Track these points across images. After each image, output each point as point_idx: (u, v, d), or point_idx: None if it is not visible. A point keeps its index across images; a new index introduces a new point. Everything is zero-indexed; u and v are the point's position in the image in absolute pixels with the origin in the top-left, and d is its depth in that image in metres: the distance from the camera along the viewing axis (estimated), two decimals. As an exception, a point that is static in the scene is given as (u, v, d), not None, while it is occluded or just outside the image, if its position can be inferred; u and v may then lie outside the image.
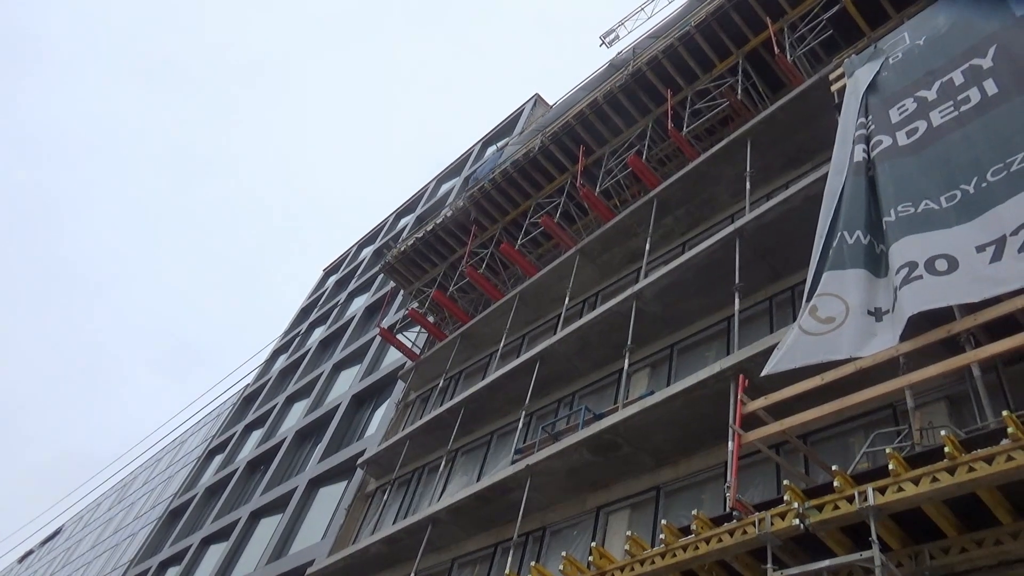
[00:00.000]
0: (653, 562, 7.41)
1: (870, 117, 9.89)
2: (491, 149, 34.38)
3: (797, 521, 6.36)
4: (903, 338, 6.93)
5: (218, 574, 25.02)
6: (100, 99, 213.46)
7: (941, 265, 6.99)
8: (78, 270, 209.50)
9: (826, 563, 6.13)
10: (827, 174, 9.81)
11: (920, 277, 6.99)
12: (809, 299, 8.03)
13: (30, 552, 61.63)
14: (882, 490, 5.96)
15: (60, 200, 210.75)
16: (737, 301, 11.40)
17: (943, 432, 5.88)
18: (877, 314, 7.37)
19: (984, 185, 7.54)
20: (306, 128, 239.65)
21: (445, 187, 37.11)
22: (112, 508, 49.70)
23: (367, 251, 41.01)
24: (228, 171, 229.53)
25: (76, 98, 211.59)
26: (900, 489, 5.86)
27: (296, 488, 24.53)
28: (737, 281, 11.59)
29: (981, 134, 8.25)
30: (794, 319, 9.64)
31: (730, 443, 8.30)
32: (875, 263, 7.84)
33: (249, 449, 33.47)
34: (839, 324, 7.46)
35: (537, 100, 36.64)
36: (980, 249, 6.87)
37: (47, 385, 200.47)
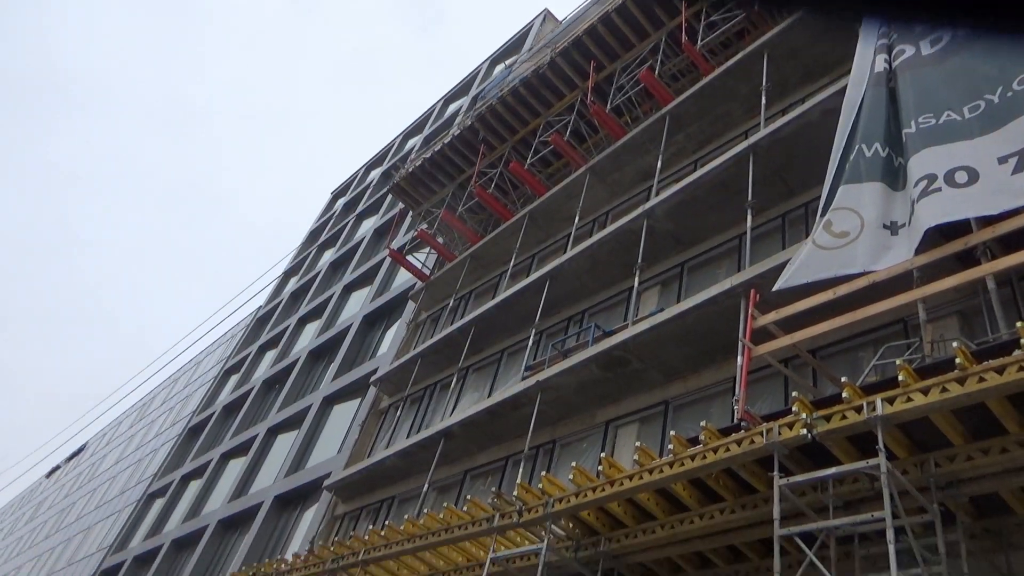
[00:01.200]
0: (662, 471, 7.58)
1: (892, 26, 9.54)
2: (499, 68, 33.55)
3: (805, 431, 6.46)
4: (918, 252, 6.88)
5: (239, 486, 25.92)
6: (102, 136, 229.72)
7: (961, 177, 6.87)
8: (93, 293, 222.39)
9: (832, 471, 6.26)
10: (846, 87, 9.55)
11: (939, 189, 6.88)
12: (824, 214, 7.95)
13: (57, 468, 63.84)
14: (891, 400, 6.02)
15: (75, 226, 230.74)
16: (749, 218, 11.30)
17: (955, 344, 5.88)
18: (893, 228, 7.29)
19: (1009, 95, 7.33)
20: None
21: (453, 107, 36.45)
22: (133, 426, 51.13)
23: (375, 173, 40.67)
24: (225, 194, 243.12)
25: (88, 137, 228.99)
26: (909, 399, 5.92)
27: (311, 406, 25.11)
28: (750, 198, 11.46)
29: (1007, 43, 7.95)
30: (807, 236, 9.57)
31: (739, 357, 8.38)
32: (893, 176, 7.72)
33: (264, 369, 34.11)
34: (854, 238, 7.40)
35: (546, 16, 35.51)
36: (1002, 160, 6.73)
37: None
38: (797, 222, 12.15)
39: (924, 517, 6.05)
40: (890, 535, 5.37)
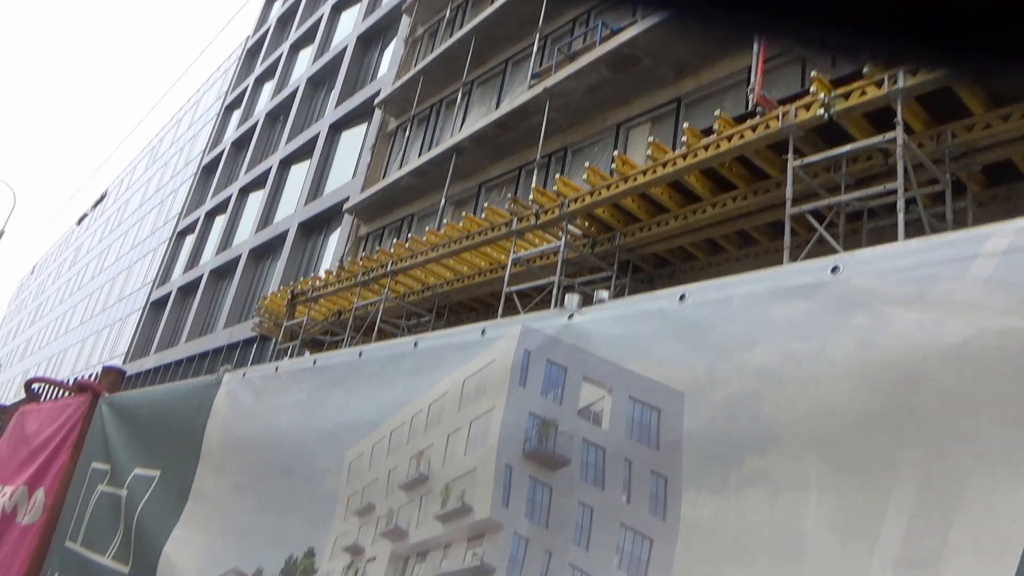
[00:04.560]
0: (675, 164, 7.62)
1: None
2: None
3: (822, 111, 6.33)
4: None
5: (262, 217, 26.80)
6: None
7: None
8: None
9: (848, 148, 6.24)
10: None
11: None
12: None
13: (85, 215, 65.91)
14: (914, 71, 5.80)
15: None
16: None
17: None
18: None
19: None
20: None
21: None
22: (148, 169, 51.63)
23: None
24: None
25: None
26: (933, 68, 5.69)
27: (319, 134, 24.96)
28: None
29: None
30: None
31: (756, 42, 7.96)
32: None
33: (264, 102, 33.39)
34: None
35: None
36: None
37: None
38: None
39: (935, 188, 6.14)
40: (900, 204, 5.50)
